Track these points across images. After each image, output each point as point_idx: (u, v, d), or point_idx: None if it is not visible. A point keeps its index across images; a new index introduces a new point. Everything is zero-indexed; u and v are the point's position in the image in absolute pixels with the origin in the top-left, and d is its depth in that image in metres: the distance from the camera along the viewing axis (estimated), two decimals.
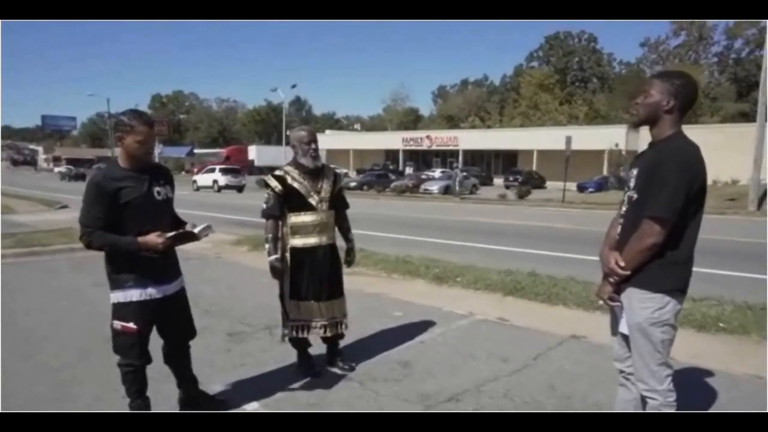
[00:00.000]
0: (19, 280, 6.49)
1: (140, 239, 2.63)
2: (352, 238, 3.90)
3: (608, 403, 3.13)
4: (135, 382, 2.81)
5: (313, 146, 3.58)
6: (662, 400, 2.28)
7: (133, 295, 2.70)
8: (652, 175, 2.19)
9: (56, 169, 72.83)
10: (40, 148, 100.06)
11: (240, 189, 31.76)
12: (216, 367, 3.81)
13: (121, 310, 2.72)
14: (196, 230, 2.81)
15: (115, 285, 2.73)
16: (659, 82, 2.26)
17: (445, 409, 3.21)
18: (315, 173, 3.61)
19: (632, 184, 2.32)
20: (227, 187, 31.63)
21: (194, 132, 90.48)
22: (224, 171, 33.16)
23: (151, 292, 2.73)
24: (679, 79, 2.25)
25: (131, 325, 2.70)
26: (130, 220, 2.65)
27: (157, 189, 2.77)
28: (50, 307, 5.41)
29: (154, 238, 2.64)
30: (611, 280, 2.31)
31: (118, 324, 2.73)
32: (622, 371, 2.52)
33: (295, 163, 3.63)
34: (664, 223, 2.14)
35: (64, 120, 79.11)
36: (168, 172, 2.96)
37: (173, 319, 2.91)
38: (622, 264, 2.24)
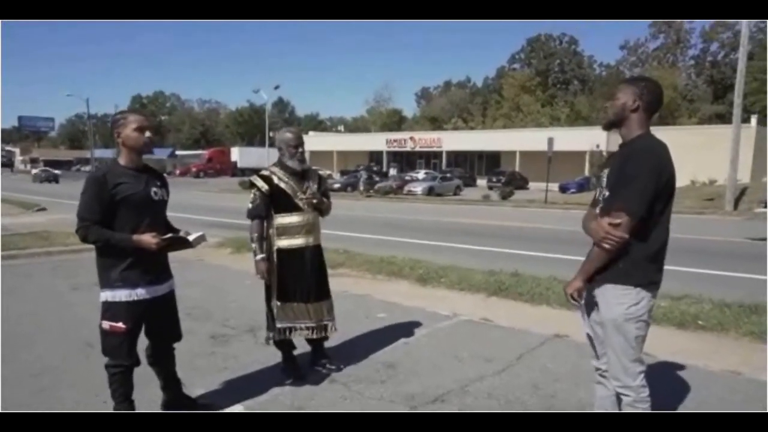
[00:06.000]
0: None
1: (135, 237, 2.64)
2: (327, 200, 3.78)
3: (591, 402, 3.16)
4: (122, 384, 2.78)
5: (299, 150, 3.59)
6: (635, 396, 2.32)
7: (122, 295, 2.69)
8: (622, 172, 2.25)
9: (34, 171, 71.37)
10: (17, 150, 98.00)
11: None
12: (199, 370, 3.77)
13: (109, 310, 2.71)
14: (190, 238, 2.83)
15: (105, 283, 2.72)
16: (626, 86, 2.38)
17: (430, 410, 3.21)
18: (301, 175, 3.62)
19: (604, 183, 2.39)
20: None
21: (176, 133, 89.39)
22: None
23: (140, 293, 2.72)
24: (644, 81, 2.38)
25: (120, 324, 2.69)
26: (126, 217, 2.66)
27: (153, 189, 2.79)
28: (28, 311, 5.30)
29: (149, 238, 2.64)
30: (606, 245, 2.25)
31: (106, 324, 2.71)
32: (598, 368, 2.56)
33: (280, 164, 3.63)
34: (632, 215, 2.18)
35: (41, 121, 77.52)
36: (164, 177, 2.98)
37: (160, 321, 2.90)
38: (617, 221, 2.19)
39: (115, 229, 2.65)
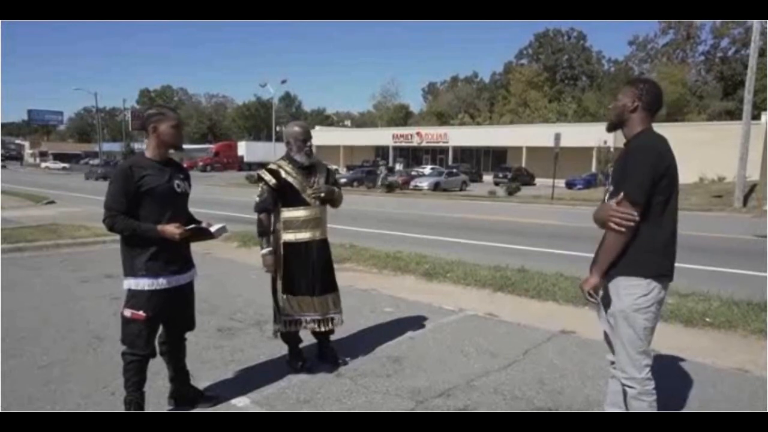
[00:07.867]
0: (4, 277, 6.41)
1: (159, 227, 2.72)
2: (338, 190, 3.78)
3: (597, 398, 3.16)
4: (136, 373, 2.83)
5: (308, 143, 3.60)
6: (640, 389, 2.34)
7: (145, 283, 2.76)
8: (624, 169, 2.33)
9: (43, 165, 71.82)
10: (26, 143, 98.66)
11: None
12: (206, 363, 3.80)
13: (132, 298, 2.78)
14: (212, 229, 2.91)
15: (129, 272, 2.79)
16: (627, 88, 2.47)
17: (436, 404, 3.22)
18: (308, 169, 3.62)
19: (610, 179, 2.47)
20: None
21: (183, 127, 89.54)
22: None
23: (162, 282, 2.79)
24: (644, 83, 2.45)
25: (141, 313, 2.76)
26: (150, 208, 2.75)
27: (177, 182, 2.88)
28: (37, 304, 5.35)
29: (172, 228, 2.73)
30: (612, 224, 2.28)
31: (128, 311, 2.78)
32: (613, 362, 2.56)
33: (288, 158, 3.63)
34: (634, 203, 2.23)
35: (50, 114, 78.08)
36: (187, 171, 3.07)
37: (178, 310, 2.97)
38: (621, 201, 2.27)
39: (140, 219, 2.74)
